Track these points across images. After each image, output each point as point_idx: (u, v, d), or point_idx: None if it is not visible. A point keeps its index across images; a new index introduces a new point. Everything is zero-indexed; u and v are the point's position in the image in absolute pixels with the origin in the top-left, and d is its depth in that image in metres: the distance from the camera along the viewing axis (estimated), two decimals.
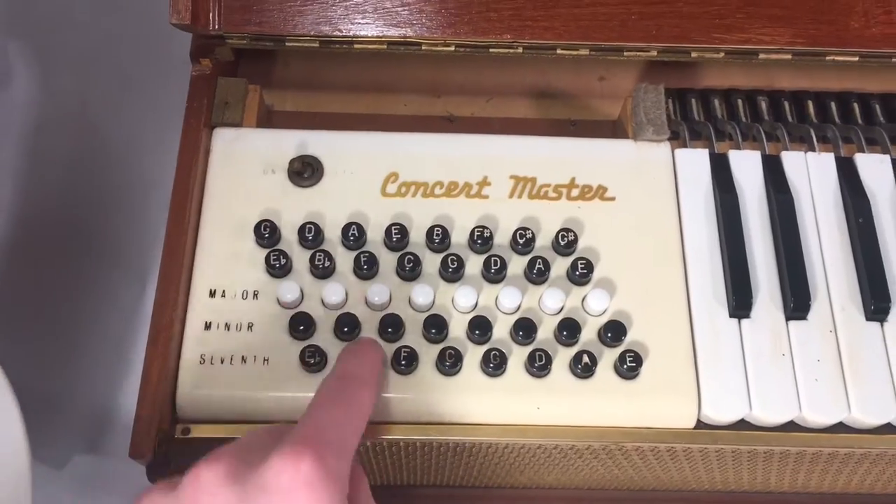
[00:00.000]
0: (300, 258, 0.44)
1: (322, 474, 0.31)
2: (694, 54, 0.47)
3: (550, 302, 0.44)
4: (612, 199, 0.47)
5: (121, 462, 0.58)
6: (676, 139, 0.49)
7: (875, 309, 0.44)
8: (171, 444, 0.41)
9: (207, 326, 0.43)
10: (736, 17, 0.45)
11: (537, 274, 0.44)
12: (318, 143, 0.47)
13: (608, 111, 0.54)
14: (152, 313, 0.41)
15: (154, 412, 0.40)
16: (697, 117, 0.52)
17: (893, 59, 0.47)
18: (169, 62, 0.61)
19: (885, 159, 0.49)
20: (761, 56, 0.47)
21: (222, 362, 0.42)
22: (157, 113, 0.60)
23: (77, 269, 0.62)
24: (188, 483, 0.32)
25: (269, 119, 0.52)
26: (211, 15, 0.44)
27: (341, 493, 0.32)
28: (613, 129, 0.53)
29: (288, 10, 0.44)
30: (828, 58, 0.47)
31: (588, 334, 0.43)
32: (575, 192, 0.47)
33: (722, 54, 0.47)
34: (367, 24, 0.45)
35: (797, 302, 0.44)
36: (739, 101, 0.53)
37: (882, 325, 0.44)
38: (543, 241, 0.45)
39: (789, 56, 0.47)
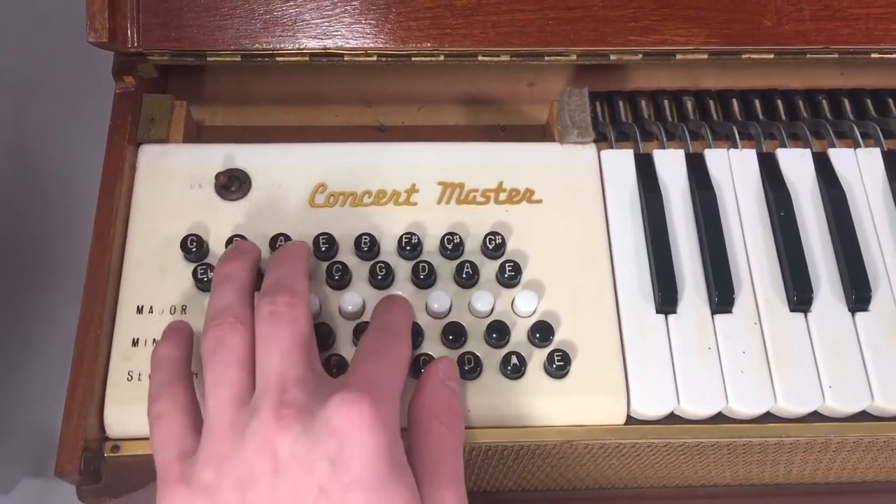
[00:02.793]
0: None
1: (379, 416, 0.34)
2: (613, 57, 0.47)
3: (480, 305, 0.44)
4: (540, 201, 0.47)
5: (68, 484, 0.57)
6: (604, 141, 0.50)
7: (798, 300, 0.45)
8: (101, 463, 0.41)
9: (135, 343, 0.43)
10: (651, 20, 0.46)
11: (466, 278, 0.45)
12: (245, 156, 0.47)
13: (538, 116, 0.54)
14: (76, 332, 0.41)
15: (80, 431, 0.39)
16: (625, 119, 0.53)
17: (808, 56, 0.48)
18: (103, 80, 0.61)
19: (806, 153, 0.50)
20: (678, 56, 0.48)
21: (150, 378, 0.42)
22: (92, 132, 0.60)
23: (15, 291, 0.62)
24: (261, 436, 0.34)
25: (198, 134, 0.52)
26: (129, 32, 0.44)
27: (394, 434, 0.35)
28: (542, 133, 0.54)
29: (207, 26, 0.44)
30: (743, 56, 0.48)
31: (518, 335, 0.44)
32: (503, 196, 0.47)
33: (640, 56, 0.47)
34: (287, 37, 0.45)
35: (721, 296, 0.45)
36: (666, 102, 0.54)
37: (805, 316, 0.45)
38: (472, 246, 0.46)
39: (706, 56, 0.48)
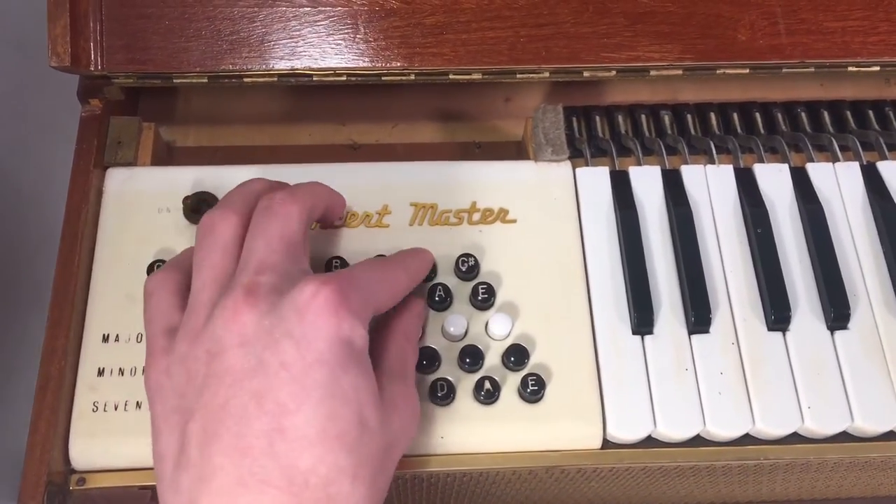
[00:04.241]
0: None
1: (344, 303, 0.35)
2: (586, 73, 0.47)
3: (452, 329, 0.43)
4: (514, 221, 0.47)
5: None
6: (580, 157, 0.50)
7: (776, 318, 0.44)
8: (66, 496, 0.40)
9: (100, 372, 0.42)
10: (624, 36, 0.45)
11: (439, 301, 0.44)
12: (214, 178, 0.47)
13: (514, 132, 0.54)
14: (40, 362, 0.40)
15: (42, 465, 0.39)
16: (602, 134, 0.53)
17: (783, 70, 0.48)
18: (74, 103, 0.60)
19: (784, 168, 0.49)
20: (652, 73, 0.47)
21: (116, 409, 0.41)
22: (64, 154, 0.59)
23: None
24: (230, 311, 0.35)
25: (170, 155, 0.51)
26: (92, 56, 0.43)
27: (359, 325, 0.35)
28: (518, 150, 0.53)
29: (172, 48, 0.44)
30: (718, 71, 0.48)
31: (492, 359, 0.43)
32: (476, 217, 0.47)
33: (613, 73, 0.47)
34: (254, 57, 0.44)
35: (698, 316, 0.44)
36: (643, 117, 0.53)
37: (784, 335, 0.45)
38: (445, 268, 0.45)
39: (680, 71, 0.47)
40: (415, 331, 0.42)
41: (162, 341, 0.37)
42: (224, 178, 0.47)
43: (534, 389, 0.42)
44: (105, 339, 0.43)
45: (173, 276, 0.39)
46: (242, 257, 0.37)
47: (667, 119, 0.53)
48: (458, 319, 0.43)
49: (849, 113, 0.54)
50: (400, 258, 0.43)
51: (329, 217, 0.44)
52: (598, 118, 0.53)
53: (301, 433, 0.33)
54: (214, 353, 0.35)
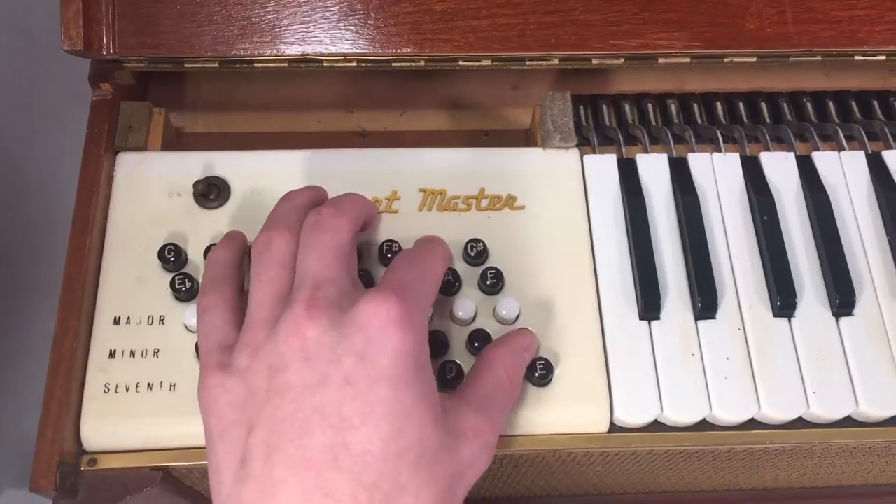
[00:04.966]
0: None
1: (406, 315, 0.35)
2: (595, 61, 0.47)
3: (461, 313, 0.44)
4: (522, 207, 0.47)
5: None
6: (588, 145, 0.50)
7: (781, 305, 0.45)
8: (78, 477, 0.41)
9: (112, 354, 0.42)
10: (632, 24, 0.45)
11: (447, 286, 0.44)
12: (224, 163, 0.47)
13: (521, 120, 0.54)
14: (52, 344, 0.41)
15: (55, 445, 0.39)
16: (609, 123, 0.53)
17: (791, 59, 0.48)
18: (83, 88, 0.60)
19: (790, 157, 0.49)
20: (661, 61, 0.47)
21: (127, 390, 0.41)
22: (73, 139, 0.60)
23: (3, 300, 0.61)
24: (292, 326, 0.35)
25: (179, 141, 0.52)
26: (105, 40, 0.43)
27: (421, 335, 0.36)
28: (526, 138, 0.53)
29: (184, 32, 0.44)
30: (726, 59, 0.48)
31: None
32: (485, 203, 0.47)
33: (622, 60, 0.47)
34: (265, 43, 0.45)
35: (705, 302, 0.44)
36: (650, 106, 0.54)
37: (790, 321, 0.45)
38: (454, 253, 0.45)
39: (688, 59, 0.47)
40: (519, 369, 0.41)
41: (217, 356, 0.37)
42: (234, 163, 0.47)
43: (542, 374, 0.42)
44: (116, 321, 0.43)
45: (226, 292, 0.40)
46: (298, 273, 0.38)
47: (673, 108, 0.54)
48: (467, 304, 0.44)
49: (854, 103, 0.54)
50: (426, 246, 0.43)
51: (366, 226, 0.44)
52: (604, 107, 0.53)
53: (364, 448, 0.33)
54: (277, 367, 0.35)
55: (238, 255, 0.42)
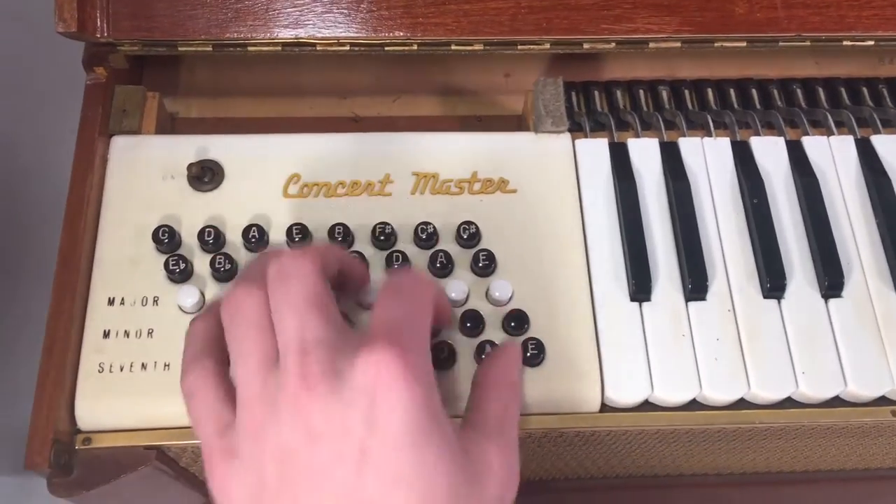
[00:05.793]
0: (201, 262, 0.44)
1: (408, 367, 0.32)
2: (586, 46, 0.47)
3: (454, 294, 0.44)
4: (514, 191, 0.47)
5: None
6: (579, 130, 0.50)
7: (771, 287, 0.45)
8: (72, 455, 0.41)
9: (106, 335, 0.42)
10: (623, 8, 0.46)
11: (440, 267, 0.44)
12: (217, 146, 0.47)
13: (514, 106, 0.54)
14: (46, 324, 0.41)
15: (49, 423, 0.39)
16: (601, 109, 0.53)
17: (780, 44, 0.49)
18: (76, 72, 0.60)
19: (780, 141, 0.50)
20: (651, 45, 0.48)
21: (122, 370, 0.42)
22: (66, 124, 0.60)
23: None
24: (291, 405, 0.33)
25: (172, 126, 0.52)
26: (99, 22, 0.44)
27: (427, 382, 0.33)
28: (519, 124, 0.54)
29: (178, 15, 0.44)
30: (716, 44, 0.48)
31: (492, 324, 0.44)
32: (477, 186, 0.47)
33: (613, 45, 0.47)
34: (259, 25, 0.45)
35: (695, 284, 0.45)
36: (641, 92, 0.54)
37: (779, 303, 0.45)
38: (446, 236, 0.46)
39: (679, 44, 0.48)
40: (520, 378, 0.40)
41: (218, 443, 0.34)
42: (228, 147, 0.47)
43: (533, 353, 0.42)
44: (111, 302, 0.43)
45: (208, 366, 0.36)
46: (279, 337, 0.34)
47: (664, 94, 0.54)
48: (459, 285, 0.44)
49: (843, 90, 0.55)
50: (401, 274, 0.41)
51: (348, 280, 0.40)
52: (596, 93, 0.54)
53: None
54: (285, 452, 0.32)
55: (215, 322, 0.38)
